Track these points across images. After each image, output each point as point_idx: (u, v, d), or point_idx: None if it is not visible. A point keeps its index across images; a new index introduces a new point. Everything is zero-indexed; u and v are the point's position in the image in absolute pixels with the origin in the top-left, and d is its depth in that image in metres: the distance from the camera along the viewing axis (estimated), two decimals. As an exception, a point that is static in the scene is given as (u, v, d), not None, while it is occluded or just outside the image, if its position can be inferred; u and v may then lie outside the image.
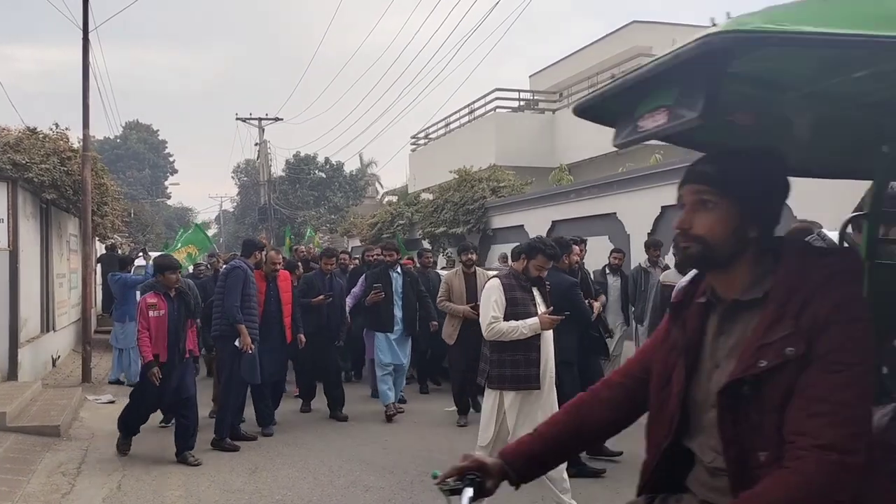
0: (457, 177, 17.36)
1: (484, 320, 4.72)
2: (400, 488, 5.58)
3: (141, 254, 12.92)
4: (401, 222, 19.93)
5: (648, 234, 10.49)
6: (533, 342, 4.66)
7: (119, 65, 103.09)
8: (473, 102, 23.81)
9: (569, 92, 22.08)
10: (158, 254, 9.64)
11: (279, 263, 7.42)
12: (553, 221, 13.13)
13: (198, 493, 5.53)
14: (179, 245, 11.48)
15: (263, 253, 7.40)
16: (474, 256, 8.23)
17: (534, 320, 4.66)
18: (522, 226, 14.12)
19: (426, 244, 17.82)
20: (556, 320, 4.72)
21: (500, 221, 15.53)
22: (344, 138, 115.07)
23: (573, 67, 23.12)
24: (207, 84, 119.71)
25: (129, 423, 6.61)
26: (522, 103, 23.75)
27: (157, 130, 61.61)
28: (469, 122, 24.03)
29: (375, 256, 9.50)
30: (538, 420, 4.31)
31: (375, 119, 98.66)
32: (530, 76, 26.76)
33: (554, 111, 22.31)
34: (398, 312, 8.24)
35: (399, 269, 8.41)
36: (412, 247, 17.44)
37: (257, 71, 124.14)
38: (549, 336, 4.80)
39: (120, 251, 15.35)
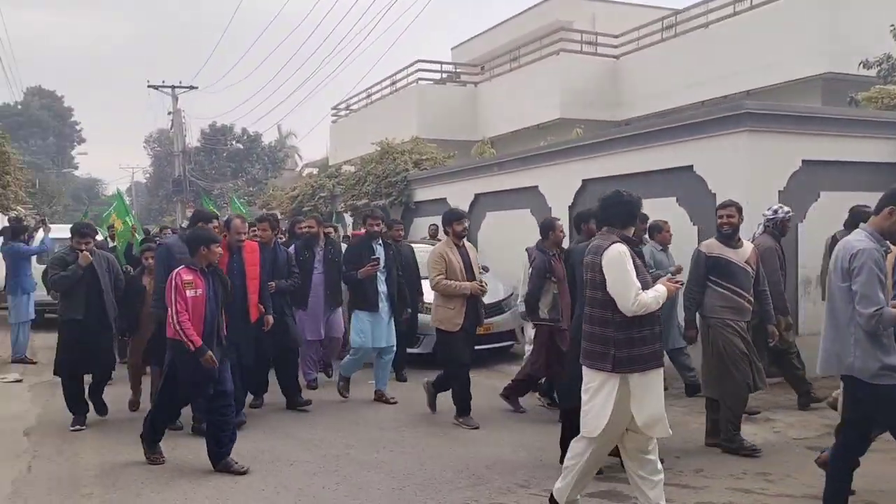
0: (379, 149, 17.22)
1: (627, 294, 3.94)
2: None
3: (41, 225, 12.21)
4: (322, 194, 19.64)
5: (569, 207, 10.70)
6: (657, 314, 4.11)
7: (20, 28, 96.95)
8: (395, 74, 23.61)
9: (490, 65, 22.16)
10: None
11: (244, 233, 6.58)
12: (476, 194, 13.20)
13: (114, 472, 5.35)
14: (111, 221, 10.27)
15: (220, 222, 6.69)
16: (468, 225, 7.26)
17: (661, 288, 4.08)
18: (445, 198, 14.14)
19: (348, 216, 17.65)
20: (677, 287, 4.25)
21: (422, 194, 15.51)
22: (262, 108, 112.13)
23: (495, 40, 23.19)
24: (117, 48, 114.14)
25: (158, 426, 5.64)
26: (445, 76, 23.69)
27: (62, 97, 58.47)
28: (391, 93, 23.82)
29: (306, 229, 8.41)
30: (662, 400, 4.10)
31: (295, 89, 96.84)
32: (452, 48, 26.70)
33: (476, 84, 22.36)
34: (382, 289, 7.42)
35: (380, 241, 7.58)
36: (335, 219, 17.25)
37: (170, 36, 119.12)
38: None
39: (34, 220, 14.54)
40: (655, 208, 9.00)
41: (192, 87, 34.78)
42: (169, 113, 35.66)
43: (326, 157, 30.89)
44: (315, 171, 27.89)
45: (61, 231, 11.33)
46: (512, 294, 10.14)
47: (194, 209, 7.47)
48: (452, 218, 6.92)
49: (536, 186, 11.40)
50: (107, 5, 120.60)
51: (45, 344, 10.84)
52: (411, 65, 22.59)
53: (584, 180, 10.40)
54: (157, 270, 6.42)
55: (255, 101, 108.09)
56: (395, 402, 7.50)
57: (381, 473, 5.29)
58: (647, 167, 9.20)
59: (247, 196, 36.11)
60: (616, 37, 18.80)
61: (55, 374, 6.70)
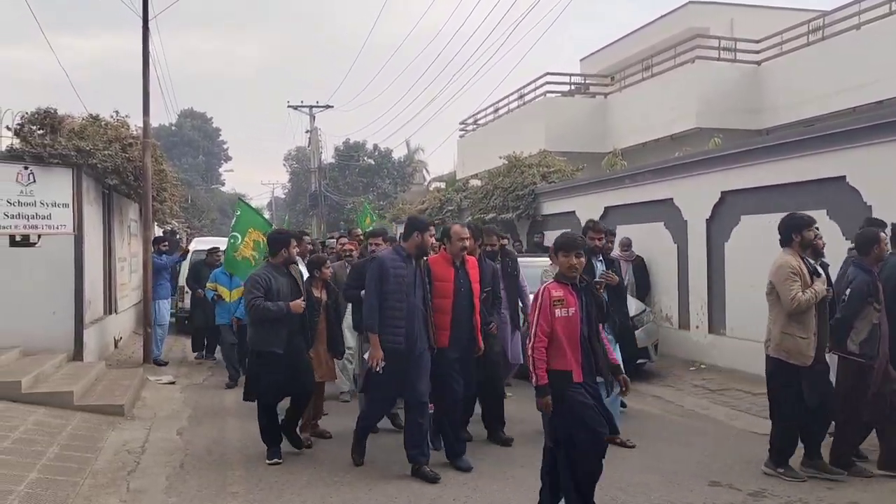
0: (506, 162, 17.24)
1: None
2: None
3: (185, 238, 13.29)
4: (449, 208, 19.91)
5: (706, 220, 10.26)
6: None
7: (173, 53, 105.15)
8: (523, 87, 23.60)
9: (621, 75, 21.69)
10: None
11: (466, 238, 5.76)
12: (606, 207, 12.94)
13: (258, 472, 5.62)
14: (240, 240, 8.82)
15: (425, 235, 5.62)
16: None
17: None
18: (574, 212, 13.96)
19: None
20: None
21: (550, 207, 15.38)
22: (393, 125, 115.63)
23: (626, 50, 22.68)
24: (259, 72, 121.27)
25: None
26: (573, 87, 23.43)
27: (211, 118, 62.76)
28: (518, 107, 23.81)
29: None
30: None
31: (424, 106, 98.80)
32: (581, 60, 26.37)
33: (605, 95, 21.95)
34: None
35: (601, 258, 6.73)
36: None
37: (308, 59, 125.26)
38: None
39: (178, 237, 15.74)
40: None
41: (328, 107, 36.47)
42: (306, 131, 37.55)
43: (454, 171, 31.32)
44: (443, 185, 28.37)
45: (210, 244, 12.12)
46: (645, 311, 9.87)
47: (408, 217, 6.45)
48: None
49: (671, 199, 11.02)
50: (249, 30, 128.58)
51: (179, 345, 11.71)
52: (540, 77, 22.50)
53: (723, 192, 9.96)
54: (368, 284, 5.52)
55: (386, 118, 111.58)
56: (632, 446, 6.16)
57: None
58: (794, 178, 8.69)
59: (377, 209, 37.26)
60: (757, 42, 17.90)
61: (245, 399, 6.09)
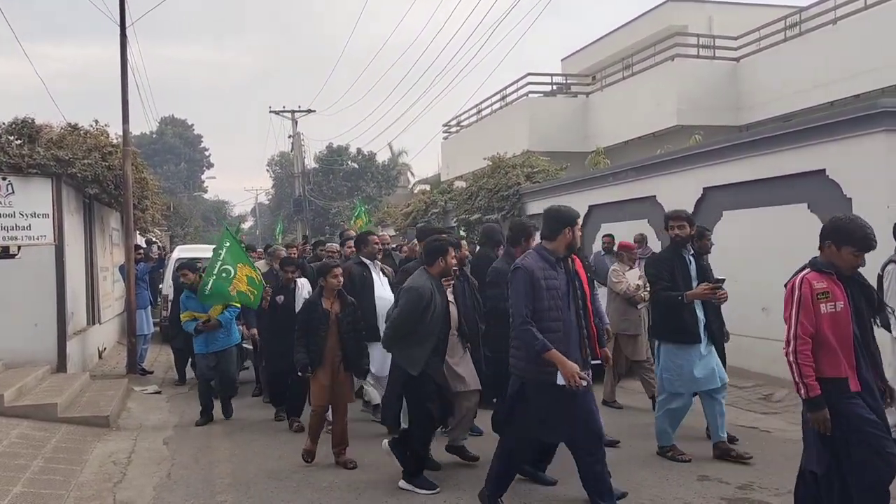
0: (490, 163, 17.27)
1: None
2: None
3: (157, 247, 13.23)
4: (434, 210, 19.91)
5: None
6: None
7: (152, 60, 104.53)
8: (505, 88, 23.67)
9: (602, 74, 21.80)
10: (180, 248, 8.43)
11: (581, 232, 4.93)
12: (590, 206, 12.99)
13: (246, 480, 5.59)
14: (233, 273, 7.85)
15: (576, 230, 4.54)
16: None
17: None
18: (559, 211, 13.99)
19: (462, 232, 17.80)
20: None
21: (535, 207, 15.41)
22: (376, 129, 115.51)
23: (606, 50, 22.81)
24: (240, 78, 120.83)
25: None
26: (555, 87, 23.52)
27: (192, 125, 62.39)
28: (501, 108, 23.88)
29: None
30: None
31: (407, 109, 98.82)
32: (562, 59, 26.47)
33: (587, 94, 22.05)
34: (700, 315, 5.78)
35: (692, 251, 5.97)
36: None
37: (288, 64, 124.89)
38: None
39: (157, 245, 15.60)
40: (784, 215, 8.55)
41: (310, 111, 36.26)
42: (289, 136, 37.34)
43: (438, 173, 31.33)
44: (427, 187, 28.36)
45: (194, 251, 12.06)
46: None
47: (549, 209, 4.69)
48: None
49: (654, 196, 11.08)
50: (230, 37, 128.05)
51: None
52: (521, 78, 22.57)
53: (705, 188, 10.02)
54: (516, 300, 4.35)
55: (369, 122, 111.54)
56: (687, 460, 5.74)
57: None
58: (775, 172, 8.76)
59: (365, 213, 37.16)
60: (735, 38, 18.05)
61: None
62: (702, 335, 5.59)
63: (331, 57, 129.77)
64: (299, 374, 6.00)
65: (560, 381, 4.16)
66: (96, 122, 11.27)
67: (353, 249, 8.03)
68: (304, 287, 7.60)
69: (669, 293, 5.53)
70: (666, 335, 5.73)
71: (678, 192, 10.52)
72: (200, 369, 7.78)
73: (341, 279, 6.02)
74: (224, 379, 7.80)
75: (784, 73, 16.22)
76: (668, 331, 5.68)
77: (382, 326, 6.25)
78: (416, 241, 7.94)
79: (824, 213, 7.95)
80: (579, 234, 4.54)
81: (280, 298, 7.57)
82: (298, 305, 6.98)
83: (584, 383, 4.19)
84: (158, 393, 9.43)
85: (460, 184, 21.02)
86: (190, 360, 9.67)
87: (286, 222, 40.47)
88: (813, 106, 14.66)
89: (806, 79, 15.42)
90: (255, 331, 8.35)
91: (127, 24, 11.34)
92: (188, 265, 8.14)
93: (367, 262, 7.08)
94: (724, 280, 5.61)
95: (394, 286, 6.65)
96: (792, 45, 16.44)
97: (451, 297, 5.45)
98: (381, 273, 7.18)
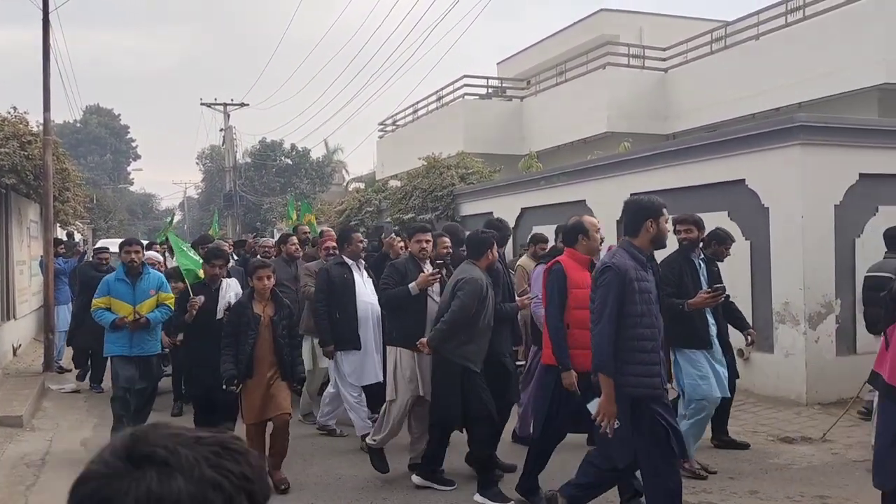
0: (425, 164, 17.33)
1: None
2: None
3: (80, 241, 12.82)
4: (368, 209, 19.83)
5: (617, 221, 10.58)
6: None
7: (79, 47, 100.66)
8: (442, 89, 23.77)
9: (536, 79, 22.15)
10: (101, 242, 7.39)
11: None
12: (522, 209, 13.18)
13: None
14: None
15: (660, 221, 4.08)
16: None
17: None
18: (492, 212, 14.12)
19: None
20: None
21: (469, 208, 15.54)
22: (311, 125, 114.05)
23: (541, 55, 23.18)
24: (171, 68, 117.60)
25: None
26: (490, 90, 23.76)
27: (119, 115, 60.33)
28: (437, 108, 23.97)
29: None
30: None
31: (343, 106, 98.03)
32: (498, 63, 26.78)
33: (522, 98, 22.36)
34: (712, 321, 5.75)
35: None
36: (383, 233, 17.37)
37: (222, 55, 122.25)
38: None
39: (80, 238, 15.09)
40: (706, 222, 8.86)
41: (243, 105, 35.56)
42: (221, 130, 36.52)
43: (373, 171, 31.20)
44: (362, 185, 28.21)
45: (116, 246, 11.64)
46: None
47: (630, 201, 4.40)
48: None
49: (584, 200, 11.32)
50: (162, 26, 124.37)
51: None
52: (457, 80, 22.72)
53: (632, 194, 10.26)
54: (602, 304, 3.89)
55: (304, 118, 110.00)
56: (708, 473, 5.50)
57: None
58: (698, 181, 9.07)
59: (295, 210, 36.66)
60: (664, 50, 18.62)
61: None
62: (713, 341, 5.50)
63: (265, 50, 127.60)
64: (224, 387, 5.27)
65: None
66: (14, 109, 10.81)
67: (296, 247, 7.83)
68: (230, 288, 6.20)
69: (672, 300, 5.20)
70: (679, 342, 5.45)
71: (607, 196, 10.79)
72: (122, 376, 6.31)
73: (269, 282, 5.40)
74: (143, 395, 6.49)
75: (709, 84, 16.83)
76: (681, 338, 5.41)
77: (369, 332, 6.15)
78: (393, 235, 7.48)
79: (744, 222, 8.32)
80: (667, 227, 4.09)
81: (200, 299, 6.03)
82: (222, 310, 5.92)
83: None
84: (77, 392, 9.11)
85: (395, 183, 21.00)
86: (91, 361, 9.05)
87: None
88: (736, 117, 15.25)
89: (730, 91, 16.03)
90: (180, 337, 6.56)
91: (50, 9, 10.91)
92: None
93: (350, 261, 6.34)
94: (723, 286, 5.45)
95: (379, 287, 5.85)
96: (717, 58, 17.07)
97: (430, 293, 5.38)
98: (364, 274, 6.45)
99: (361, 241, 6.62)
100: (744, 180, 8.36)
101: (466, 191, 15.58)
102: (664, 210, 4.06)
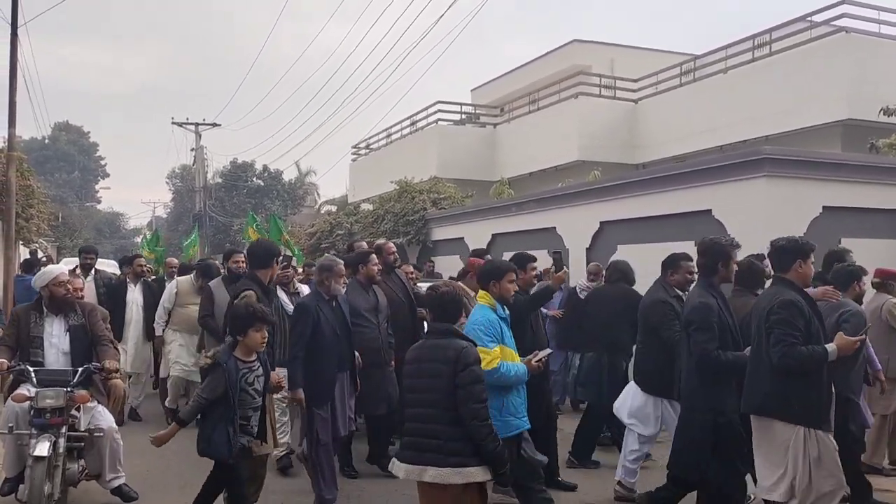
0: (397, 188, 17.34)
1: None
2: None
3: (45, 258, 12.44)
4: (340, 232, 19.75)
5: (586, 248, 10.66)
6: None
7: (48, 63, 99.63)
8: (416, 114, 23.89)
9: (510, 107, 22.38)
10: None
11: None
12: (493, 234, 13.23)
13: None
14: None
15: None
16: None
17: None
18: (463, 238, 14.18)
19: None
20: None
21: (440, 233, 15.56)
22: (283, 146, 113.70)
23: (514, 83, 23.44)
24: (142, 87, 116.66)
25: None
26: (464, 117, 23.94)
27: (88, 132, 59.59)
28: (411, 133, 24.07)
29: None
30: None
31: (316, 128, 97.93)
32: (472, 90, 27.00)
33: (495, 125, 22.55)
34: None
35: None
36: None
37: (194, 75, 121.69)
38: None
39: (42, 256, 14.80)
40: (673, 251, 8.95)
41: (215, 125, 35.36)
42: (192, 149, 36.25)
43: (345, 195, 31.13)
44: (334, 208, 28.14)
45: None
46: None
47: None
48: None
49: (554, 227, 11.40)
50: (134, 44, 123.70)
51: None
52: (431, 106, 22.86)
53: (601, 222, 10.39)
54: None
55: (276, 139, 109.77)
56: None
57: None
58: (665, 210, 9.18)
59: (266, 232, 36.38)
60: (635, 81, 18.95)
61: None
62: None
63: (238, 71, 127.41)
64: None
65: None
66: (-22, 124, 10.63)
67: (241, 265, 6.71)
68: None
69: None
70: None
71: (577, 224, 10.87)
72: None
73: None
74: None
75: (678, 116, 17.14)
76: None
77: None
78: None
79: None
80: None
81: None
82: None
83: None
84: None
85: (367, 206, 20.98)
86: None
87: (185, 238, 39.09)
88: (704, 149, 15.52)
89: (698, 122, 16.34)
90: None
91: (19, 24, 10.80)
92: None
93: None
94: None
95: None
96: (686, 90, 17.41)
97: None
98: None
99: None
100: (710, 210, 8.48)
101: (438, 216, 15.61)
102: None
